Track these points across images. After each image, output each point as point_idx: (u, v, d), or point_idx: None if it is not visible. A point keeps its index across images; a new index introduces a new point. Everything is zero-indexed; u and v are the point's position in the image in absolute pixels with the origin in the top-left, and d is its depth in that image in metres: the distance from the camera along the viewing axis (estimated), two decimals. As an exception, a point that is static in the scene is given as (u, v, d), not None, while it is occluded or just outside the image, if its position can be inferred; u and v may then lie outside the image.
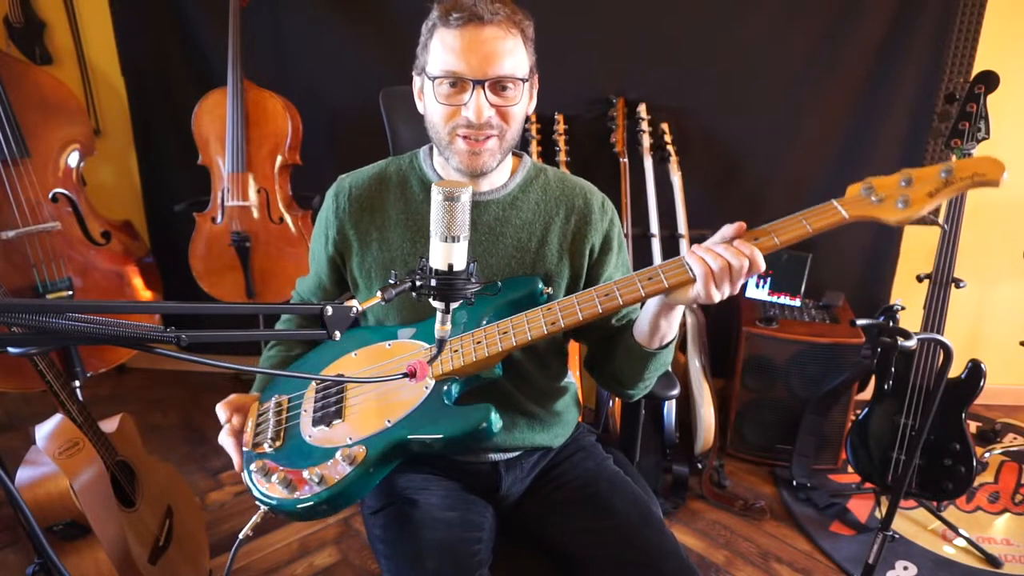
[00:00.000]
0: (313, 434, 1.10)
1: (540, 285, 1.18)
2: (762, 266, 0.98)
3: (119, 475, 1.58)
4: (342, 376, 1.16)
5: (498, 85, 1.10)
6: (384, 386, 1.11)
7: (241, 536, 1.06)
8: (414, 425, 1.05)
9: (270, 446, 1.10)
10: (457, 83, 1.09)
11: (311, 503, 1.02)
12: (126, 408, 1.81)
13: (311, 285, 1.35)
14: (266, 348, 1.37)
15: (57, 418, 1.49)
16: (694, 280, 0.98)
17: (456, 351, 1.09)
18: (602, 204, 1.28)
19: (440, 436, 1.03)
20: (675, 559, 1.14)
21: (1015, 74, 2.18)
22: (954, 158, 1.93)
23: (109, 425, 1.63)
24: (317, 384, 1.16)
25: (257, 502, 1.06)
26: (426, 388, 1.08)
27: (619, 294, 1.02)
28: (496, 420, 1.02)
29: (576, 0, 2.42)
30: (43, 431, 1.47)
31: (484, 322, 1.13)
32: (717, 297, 0.98)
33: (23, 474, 1.38)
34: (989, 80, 1.88)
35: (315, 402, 1.14)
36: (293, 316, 1.37)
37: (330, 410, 1.11)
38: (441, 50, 1.09)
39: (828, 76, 2.44)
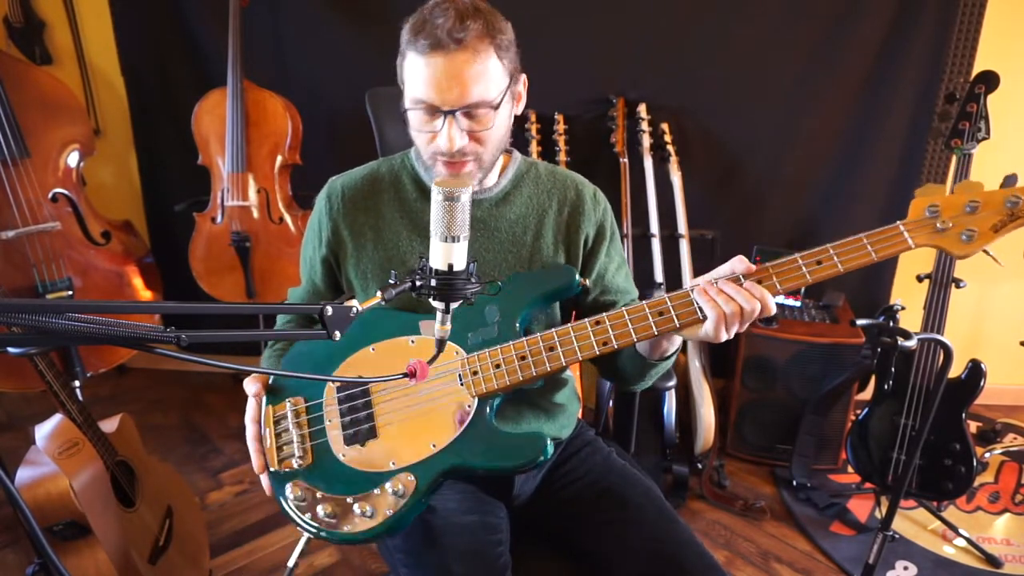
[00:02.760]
0: (347, 454, 1.06)
1: (577, 276, 1.16)
2: (772, 309, 0.98)
3: (119, 475, 1.58)
4: (361, 376, 1.12)
5: (469, 111, 1.08)
6: (419, 396, 1.07)
7: (291, 565, 1.05)
8: (464, 452, 1.03)
9: (299, 463, 1.07)
10: (429, 110, 1.08)
11: (365, 537, 1.02)
12: (126, 408, 1.81)
13: (304, 294, 1.32)
14: (267, 347, 1.35)
15: (57, 418, 1.49)
16: (703, 321, 0.99)
17: (499, 367, 1.06)
18: (594, 195, 1.28)
19: (496, 467, 1.03)
20: (693, 548, 1.14)
21: (1015, 74, 2.17)
22: (954, 158, 1.93)
23: (109, 425, 1.63)
24: (336, 385, 1.13)
25: (301, 529, 1.05)
26: (469, 408, 1.05)
27: (632, 327, 1.02)
28: (550, 448, 1.02)
29: (576, 0, 2.43)
30: (43, 431, 1.47)
31: (518, 321, 1.10)
32: (724, 338, 0.99)
33: (23, 474, 1.39)
34: (989, 80, 1.88)
35: (341, 414, 1.10)
36: (292, 319, 1.35)
37: (362, 427, 1.08)
38: (411, 76, 1.07)
39: (828, 76, 2.44)
